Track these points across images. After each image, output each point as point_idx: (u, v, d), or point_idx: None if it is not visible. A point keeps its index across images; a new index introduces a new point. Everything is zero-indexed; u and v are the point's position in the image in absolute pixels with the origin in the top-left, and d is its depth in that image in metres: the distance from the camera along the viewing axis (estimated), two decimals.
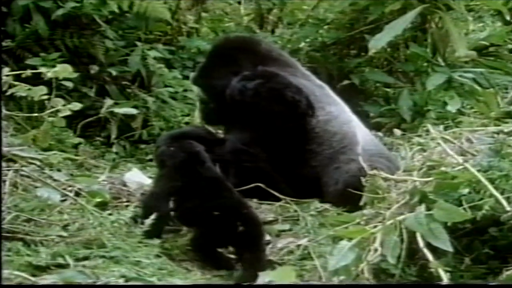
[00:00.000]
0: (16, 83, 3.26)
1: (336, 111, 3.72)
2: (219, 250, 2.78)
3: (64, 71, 3.30)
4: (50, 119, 3.34)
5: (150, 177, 3.53)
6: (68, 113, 3.32)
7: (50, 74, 3.30)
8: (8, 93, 3.28)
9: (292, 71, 3.79)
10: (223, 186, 3.00)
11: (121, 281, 2.32)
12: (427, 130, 3.61)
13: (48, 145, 3.53)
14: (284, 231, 3.15)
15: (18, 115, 3.62)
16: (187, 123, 4.43)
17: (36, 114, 3.44)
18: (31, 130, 3.50)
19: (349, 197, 3.05)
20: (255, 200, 3.44)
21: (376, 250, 2.27)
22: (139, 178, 3.51)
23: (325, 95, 3.79)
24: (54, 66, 3.39)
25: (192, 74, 4.09)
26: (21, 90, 3.25)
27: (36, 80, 3.36)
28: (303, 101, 3.59)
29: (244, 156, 3.56)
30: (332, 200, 3.40)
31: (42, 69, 3.35)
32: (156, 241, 2.71)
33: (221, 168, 3.32)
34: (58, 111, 3.30)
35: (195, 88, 4.33)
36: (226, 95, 3.63)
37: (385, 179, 2.80)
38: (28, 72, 3.31)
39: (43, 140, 3.41)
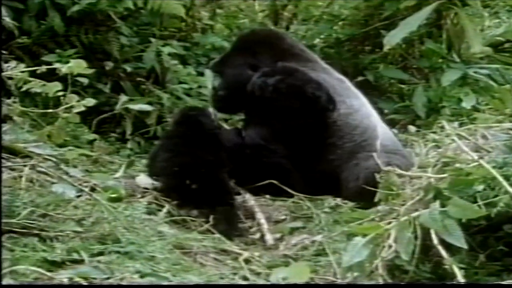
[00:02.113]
0: (31, 79, 3.27)
1: (357, 105, 3.74)
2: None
3: (78, 66, 3.32)
4: (65, 115, 3.35)
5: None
6: (82, 109, 3.34)
7: (64, 70, 3.31)
8: (23, 89, 3.30)
9: (312, 66, 3.80)
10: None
11: (136, 277, 2.33)
12: (442, 127, 3.61)
13: (63, 141, 3.55)
14: (297, 228, 3.15)
15: (33, 111, 3.64)
16: None
17: (50, 110, 3.45)
18: (46, 126, 3.51)
19: (368, 193, 3.05)
20: (268, 196, 3.47)
21: (390, 246, 2.27)
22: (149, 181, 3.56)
23: (346, 88, 3.80)
24: (69, 62, 3.40)
25: (211, 62, 4.22)
26: (36, 86, 3.27)
27: (52, 76, 3.38)
28: (323, 97, 3.59)
29: (263, 152, 3.57)
30: (351, 196, 3.41)
31: (57, 65, 3.37)
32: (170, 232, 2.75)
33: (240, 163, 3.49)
34: (72, 107, 3.31)
35: (209, 82, 4.37)
36: (246, 90, 3.66)
37: (400, 176, 2.80)
38: (43, 68, 3.33)
39: (57, 136, 3.43)
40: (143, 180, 3.54)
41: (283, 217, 3.29)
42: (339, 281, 2.44)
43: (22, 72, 3.25)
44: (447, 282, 2.23)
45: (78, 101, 3.31)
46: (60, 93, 3.32)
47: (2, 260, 2.27)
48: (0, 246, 2.35)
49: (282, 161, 3.56)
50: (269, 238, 3.03)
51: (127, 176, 3.56)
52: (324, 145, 3.61)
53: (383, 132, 3.73)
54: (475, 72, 4.76)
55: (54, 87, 3.26)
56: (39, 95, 3.50)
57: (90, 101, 3.36)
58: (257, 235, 3.09)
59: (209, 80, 4.47)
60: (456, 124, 4.07)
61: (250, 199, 3.39)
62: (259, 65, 3.75)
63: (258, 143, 3.60)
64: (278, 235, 3.05)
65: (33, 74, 3.32)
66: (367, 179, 3.29)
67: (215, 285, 2.46)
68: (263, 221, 3.17)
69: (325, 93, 3.61)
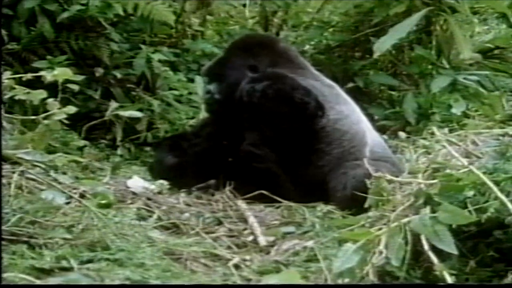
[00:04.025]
0: (16, 86, 3.25)
1: (346, 111, 3.73)
2: None
3: (63, 74, 3.30)
4: (46, 122, 3.32)
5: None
6: (64, 116, 3.31)
7: (49, 77, 3.29)
8: (7, 96, 3.27)
9: (302, 73, 3.80)
10: None
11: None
12: (432, 133, 3.61)
13: (50, 147, 3.53)
14: (289, 233, 3.15)
15: (17, 118, 3.61)
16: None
17: (32, 117, 3.42)
18: (28, 132, 3.49)
19: (357, 202, 3.05)
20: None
21: (381, 252, 2.26)
22: (141, 183, 3.54)
23: (335, 94, 3.80)
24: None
25: (204, 66, 4.10)
26: (20, 93, 3.25)
27: (41, 83, 3.36)
28: (312, 103, 3.58)
29: (252, 157, 3.57)
30: (339, 205, 3.40)
31: (42, 73, 3.35)
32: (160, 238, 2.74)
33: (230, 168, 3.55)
34: (53, 114, 3.29)
35: (200, 88, 4.34)
36: (235, 96, 3.65)
37: (390, 181, 2.80)
38: (29, 75, 3.31)
39: (39, 143, 3.39)
40: (135, 182, 3.52)
41: (275, 221, 3.29)
42: None
43: (8, 79, 3.23)
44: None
45: (59, 108, 3.28)
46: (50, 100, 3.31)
47: (2, 261, 2.26)
48: (0, 247, 2.34)
49: (272, 166, 3.56)
50: (262, 239, 3.02)
51: (118, 181, 3.55)
52: (312, 151, 3.60)
53: (373, 139, 3.73)
54: (464, 79, 4.77)
55: (39, 95, 3.24)
56: (28, 102, 3.49)
57: (72, 109, 3.31)
58: (250, 238, 3.08)
59: (200, 86, 4.46)
60: (446, 130, 4.08)
61: (241, 204, 3.39)
62: (258, 67, 3.74)
63: (247, 149, 3.59)
64: (271, 238, 3.04)
65: (20, 81, 3.31)
66: (355, 188, 3.29)
67: (209, 285, 2.46)
68: (256, 224, 3.16)
69: (314, 99, 3.60)
